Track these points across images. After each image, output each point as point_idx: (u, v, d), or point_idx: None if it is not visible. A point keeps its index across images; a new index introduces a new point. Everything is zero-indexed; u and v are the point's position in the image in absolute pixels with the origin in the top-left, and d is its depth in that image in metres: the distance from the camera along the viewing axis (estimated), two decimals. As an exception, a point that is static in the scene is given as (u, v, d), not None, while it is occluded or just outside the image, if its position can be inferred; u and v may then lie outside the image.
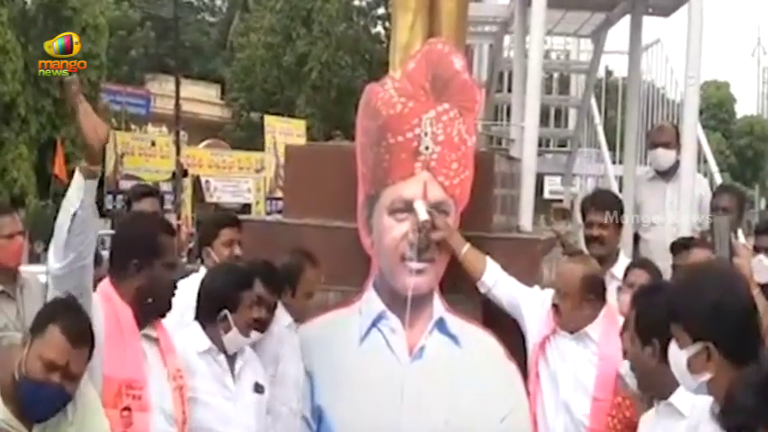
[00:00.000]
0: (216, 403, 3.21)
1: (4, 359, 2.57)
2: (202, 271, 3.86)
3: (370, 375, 3.82)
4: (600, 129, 8.63)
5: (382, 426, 3.75)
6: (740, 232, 4.91)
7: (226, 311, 3.24)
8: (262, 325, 3.45)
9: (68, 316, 2.59)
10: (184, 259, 14.99)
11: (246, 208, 22.72)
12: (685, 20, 5.03)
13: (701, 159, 7.30)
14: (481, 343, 3.87)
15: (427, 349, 3.84)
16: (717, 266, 2.97)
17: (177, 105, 21.68)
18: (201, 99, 29.71)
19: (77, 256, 2.70)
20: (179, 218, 20.09)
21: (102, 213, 18.44)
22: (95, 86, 21.02)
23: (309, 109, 28.36)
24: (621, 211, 4.35)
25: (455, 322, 3.88)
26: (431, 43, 4.14)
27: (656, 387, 2.56)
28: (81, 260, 2.71)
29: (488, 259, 3.86)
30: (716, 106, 43.18)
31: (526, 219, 4.47)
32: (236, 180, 24.12)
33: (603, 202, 4.40)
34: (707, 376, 2.07)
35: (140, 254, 2.93)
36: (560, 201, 8.00)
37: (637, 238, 5.39)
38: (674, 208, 5.06)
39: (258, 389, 3.36)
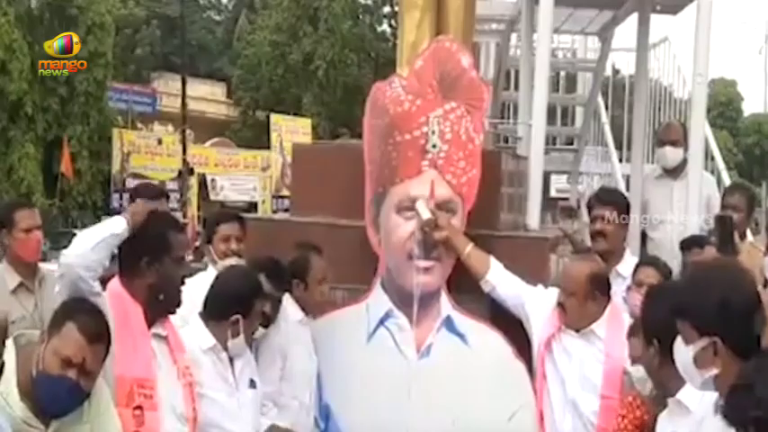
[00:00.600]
0: (221, 399, 3.24)
1: (21, 357, 2.58)
2: (209, 270, 3.87)
3: (377, 373, 3.83)
4: (607, 127, 8.61)
5: (390, 424, 3.76)
6: (748, 231, 4.90)
7: (238, 317, 3.26)
8: (266, 320, 3.48)
9: (85, 314, 2.63)
10: (190, 257, 15.00)
11: (253, 206, 22.74)
12: (693, 18, 5.02)
13: (709, 157, 7.29)
14: (489, 341, 3.88)
15: (435, 347, 3.85)
16: (723, 263, 2.96)
17: (183, 104, 21.71)
18: (208, 97, 29.75)
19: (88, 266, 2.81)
20: (185, 216, 20.13)
21: (109, 211, 18.50)
22: (102, 85, 21.06)
23: (315, 107, 28.38)
24: (627, 209, 4.34)
25: (463, 320, 3.88)
26: (438, 41, 4.14)
27: (662, 385, 2.56)
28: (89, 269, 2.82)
29: (492, 259, 3.86)
30: (723, 104, 43.05)
31: (533, 217, 4.46)
32: (242, 178, 24.15)
33: (608, 198, 4.40)
34: (713, 371, 2.08)
35: (151, 251, 2.96)
36: (566, 199, 8.00)
37: (644, 236, 5.38)
38: (681, 206, 5.05)
39: (252, 384, 3.39)
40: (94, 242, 2.84)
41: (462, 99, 3.93)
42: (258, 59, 29.40)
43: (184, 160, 20.96)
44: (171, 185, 20.90)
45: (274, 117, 24.75)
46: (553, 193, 15.65)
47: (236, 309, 3.26)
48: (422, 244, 3.79)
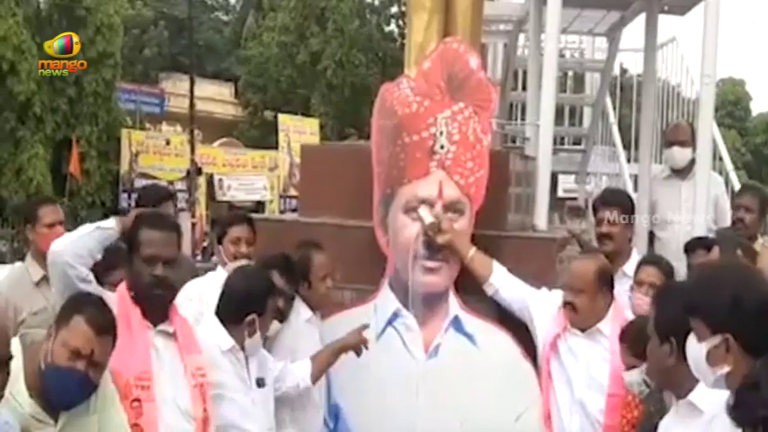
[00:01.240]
0: (239, 399, 3.26)
1: (28, 354, 2.61)
2: (219, 270, 3.89)
3: (385, 373, 3.85)
4: (614, 127, 8.60)
5: (398, 423, 3.78)
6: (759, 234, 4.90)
7: (254, 316, 3.28)
8: (281, 315, 3.52)
9: (92, 306, 2.68)
10: (199, 257, 15.05)
11: (261, 206, 22.75)
12: (701, 18, 5.01)
13: (717, 158, 7.27)
14: (496, 342, 3.89)
15: (443, 347, 3.87)
16: (735, 262, 2.97)
17: (191, 104, 21.72)
18: (215, 98, 29.76)
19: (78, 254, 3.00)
20: (193, 216, 20.16)
21: (117, 211, 18.53)
22: (110, 85, 21.07)
23: (323, 107, 28.39)
24: (631, 209, 4.34)
25: (471, 321, 3.90)
26: (446, 42, 4.15)
27: (674, 385, 2.55)
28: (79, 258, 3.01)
29: (495, 262, 3.87)
30: (732, 104, 42.90)
31: (541, 217, 4.47)
32: (250, 178, 24.16)
33: (613, 200, 4.40)
34: (725, 369, 2.08)
35: (128, 249, 3.06)
36: (574, 199, 7.99)
37: (652, 236, 5.38)
38: (689, 206, 5.04)
39: (260, 383, 3.41)
40: (82, 233, 3.05)
41: (470, 100, 3.95)
42: (266, 60, 29.43)
43: (192, 160, 20.98)
44: (179, 185, 20.93)
45: (282, 117, 24.75)
46: (561, 194, 15.63)
47: (251, 308, 3.29)
48: (428, 244, 3.81)
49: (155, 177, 19.97)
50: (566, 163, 8.25)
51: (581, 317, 3.61)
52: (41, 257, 3.95)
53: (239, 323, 3.28)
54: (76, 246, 3.02)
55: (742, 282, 2.15)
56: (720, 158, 7.31)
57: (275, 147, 24.31)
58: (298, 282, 3.64)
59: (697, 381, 2.35)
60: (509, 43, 7.88)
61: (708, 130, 4.97)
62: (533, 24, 6.44)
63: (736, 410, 1.93)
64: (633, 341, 3.30)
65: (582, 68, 8.47)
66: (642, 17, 6.42)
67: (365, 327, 3.68)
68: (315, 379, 3.56)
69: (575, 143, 8.52)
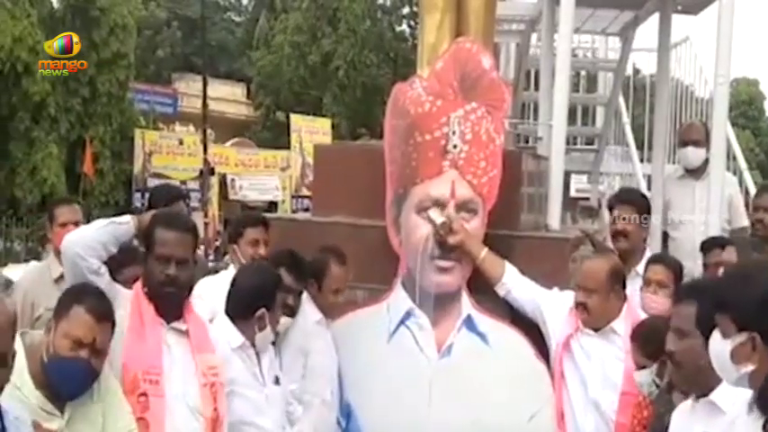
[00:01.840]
0: (251, 395, 3.28)
1: (30, 350, 2.63)
2: (232, 269, 3.91)
3: (398, 373, 3.85)
4: (628, 127, 8.57)
5: (410, 423, 3.78)
6: None
7: (263, 310, 3.29)
8: (290, 311, 3.54)
9: (90, 295, 2.74)
10: (211, 257, 15.08)
11: (273, 206, 22.78)
12: (715, 17, 5.00)
13: (731, 157, 7.24)
14: (509, 341, 3.88)
15: (456, 347, 3.86)
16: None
17: (204, 104, 21.78)
18: (228, 98, 29.83)
19: (90, 246, 3.06)
20: (206, 216, 20.20)
21: (131, 211, 18.61)
22: (124, 86, 21.16)
23: (335, 108, 28.41)
24: (647, 209, 4.33)
25: (483, 320, 3.89)
26: (459, 42, 4.15)
27: (700, 384, 2.51)
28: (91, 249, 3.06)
29: (507, 263, 3.86)
30: (745, 104, 42.66)
31: (554, 217, 4.46)
32: (262, 178, 24.20)
33: (629, 198, 4.41)
34: (749, 367, 2.06)
35: (145, 247, 3.12)
36: (587, 199, 7.98)
37: (666, 236, 5.37)
38: (703, 206, 5.03)
39: (277, 381, 3.44)
40: (95, 227, 3.12)
41: (483, 100, 3.94)
42: (278, 61, 29.47)
43: (205, 160, 21.04)
44: (192, 185, 20.98)
45: (294, 117, 24.78)
46: (573, 193, 15.59)
47: (260, 303, 3.31)
48: (440, 244, 3.81)
49: (168, 177, 20.03)
50: (578, 163, 8.24)
51: (593, 317, 3.60)
52: (60, 255, 4.03)
53: (249, 319, 3.30)
54: (88, 238, 3.07)
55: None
56: (734, 158, 7.28)
57: (287, 147, 24.34)
58: (305, 279, 3.65)
59: (718, 380, 2.34)
60: (521, 43, 7.87)
61: (722, 129, 4.95)
62: (546, 24, 6.43)
63: (762, 405, 1.92)
64: (644, 341, 3.29)
65: (595, 68, 8.46)
66: (656, 17, 6.40)
67: None
68: None
69: (587, 143, 8.50)
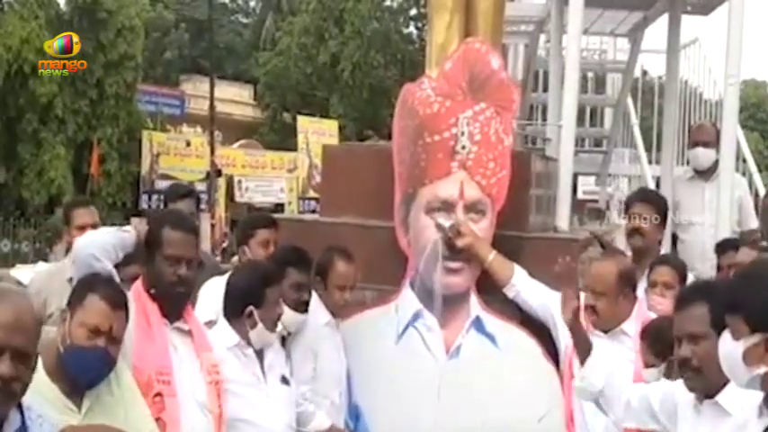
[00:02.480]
0: (247, 394, 3.27)
1: (44, 344, 2.62)
2: (237, 270, 3.91)
3: (406, 374, 3.85)
4: (636, 129, 8.55)
5: (419, 424, 3.77)
6: None
7: (251, 308, 3.29)
8: (303, 306, 3.54)
9: (104, 284, 2.75)
10: (218, 258, 15.09)
11: (280, 207, 22.79)
12: (724, 18, 4.98)
13: (740, 159, 7.22)
14: (519, 342, 3.87)
15: (464, 348, 3.86)
16: None
17: (212, 106, 21.82)
18: (235, 100, 29.88)
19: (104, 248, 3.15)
20: (213, 217, 20.21)
21: (138, 212, 18.64)
22: (131, 87, 21.22)
23: (342, 109, 28.44)
24: (665, 209, 4.31)
25: (492, 321, 3.88)
26: (468, 43, 4.14)
27: (711, 385, 2.48)
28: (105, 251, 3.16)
29: (515, 265, 3.85)
30: (754, 106, 42.56)
31: (563, 219, 4.45)
32: (269, 179, 24.21)
33: (648, 197, 4.40)
34: (762, 369, 2.03)
35: (147, 246, 3.11)
36: (595, 201, 7.95)
37: (675, 238, 5.35)
38: (712, 208, 5.01)
39: (285, 381, 3.42)
40: (106, 231, 3.25)
41: (492, 100, 3.93)
42: (285, 63, 29.51)
43: (212, 162, 21.07)
44: (199, 187, 20.97)
45: (301, 119, 24.80)
46: (580, 195, 15.56)
47: (248, 301, 3.31)
48: (449, 245, 3.80)
49: (175, 178, 20.02)
50: (586, 164, 8.22)
51: (602, 320, 3.58)
52: None
53: (240, 317, 3.30)
54: (102, 241, 3.13)
55: None
56: (744, 160, 7.26)
57: (295, 149, 24.36)
58: (309, 274, 3.64)
59: (725, 381, 2.31)
60: (530, 44, 7.86)
61: (732, 130, 4.94)
62: (555, 25, 6.42)
63: None
64: (653, 340, 3.27)
65: (603, 69, 8.44)
66: (665, 17, 6.38)
67: None
68: None
69: (595, 145, 8.48)
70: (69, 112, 19.75)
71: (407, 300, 3.93)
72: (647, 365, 3.28)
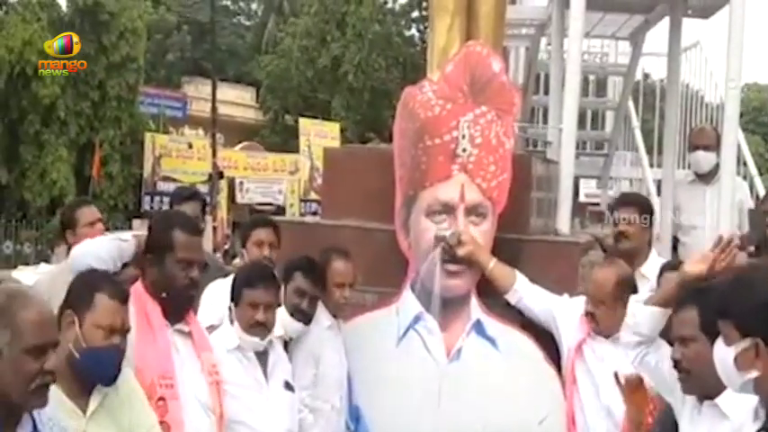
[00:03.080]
0: (246, 397, 3.27)
1: None
2: (242, 273, 3.92)
3: (407, 376, 3.85)
4: (637, 131, 8.55)
5: (419, 427, 3.77)
6: None
7: (230, 305, 3.34)
8: (304, 316, 3.54)
9: (106, 281, 2.75)
10: (220, 260, 15.10)
11: (281, 210, 22.82)
12: (725, 22, 4.98)
13: (741, 162, 7.22)
14: (519, 346, 3.88)
15: (465, 351, 3.85)
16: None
17: (214, 108, 21.86)
18: (237, 102, 29.92)
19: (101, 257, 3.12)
20: (215, 219, 20.23)
21: (140, 214, 18.67)
22: (134, 90, 21.26)
23: (344, 111, 28.47)
24: (649, 210, 4.33)
25: (493, 325, 3.88)
26: (469, 46, 4.14)
27: (708, 388, 2.49)
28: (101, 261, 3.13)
29: (516, 271, 3.86)
30: (756, 109, 42.56)
31: (564, 222, 4.45)
32: (269, 182, 24.24)
33: (630, 200, 4.43)
34: (754, 374, 2.03)
35: (154, 249, 3.08)
36: (597, 204, 7.95)
37: (676, 241, 5.36)
38: (713, 211, 5.01)
39: (288, 387, 3.42)
40: (104, 240, 3.21)
41: (493, 103, 3.94)
42: (287, 65, 29.56)
43: (214, 164, 21.10)
44: (202, 189, 20.98)
45: (303, 121, 24.86)
46: (582, 198, 15.57)
47: (231, 299, 3.34)
48: (451, 248, 3.80)
49: (177, 181, 20.09)
50: (588, 167, 8.22)
51: (602, 326, 3.60)
52: None
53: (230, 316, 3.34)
54: (99, 251, 3.11)
55: None
56: (745, 163, 7.25)
57: (296, 151, 24.40)
58: (322, 284, 3.65)
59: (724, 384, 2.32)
60: (531, 47, 7.86)
61: (733, 134, 4.94)
62: (556, 28, 6.43)
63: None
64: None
65: (605, 72, 8.44)
66: (666, 21, 6.38)
67: None
68: None
69: (597, 148, 8.48)
70: (71, 114, 19.81)
71: (408, 302, 3.93)
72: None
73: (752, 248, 4.38)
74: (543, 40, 7.73)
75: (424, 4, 27.44)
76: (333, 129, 25.22)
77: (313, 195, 22.50)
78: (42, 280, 4.20)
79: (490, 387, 3.80)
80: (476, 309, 3.90)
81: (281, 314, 3.46)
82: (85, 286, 2.70)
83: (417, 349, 3.87)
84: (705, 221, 5.16)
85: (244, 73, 32.90)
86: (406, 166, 3.98)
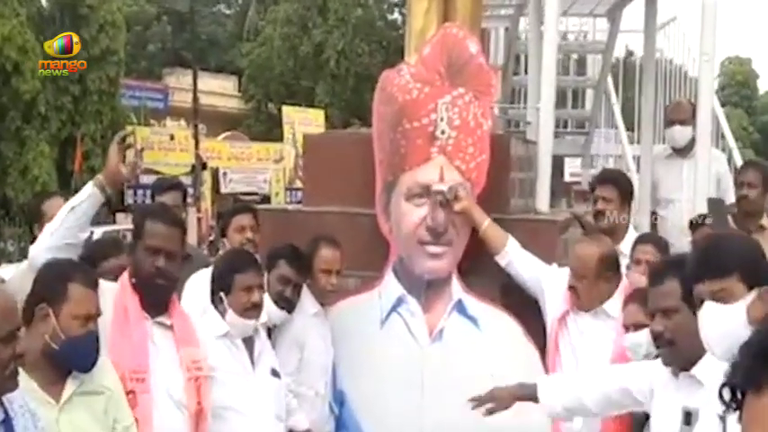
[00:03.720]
0: (234, 383, 3.29)
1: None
2: (220, 262, 3.93)
3: (390, 359, 3.89)
4: (617, 108, 8.58)
5: (403, 407, 3.82)
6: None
7: (221, 294, 3.33)
8: (288, 303, 3.57)
9: (76, 268, 2.78)
10: (205, 251, 15.11)
11: (266, 199, 22.79)
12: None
13: (719, 135, 7.26)
14: (500, 324, 3.92)
15: (446, 331, 3.90)
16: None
17: (195, 98, 21.76)
18: (219, 92, 29.81)
19: (57, 247, 3.06)
20: (199, 211, 20.19)
21: (124, 208, 18.61)
22: (114, 83, 21.15)
23: (327, 98, 28.40)
24: (628, 188, 4.37)
25: (474, 304, 3.92)
26: (446, 28, 4.15)
27: (692, 356, 2.49)
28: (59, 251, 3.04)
29: (509, 236, 3.88)
30: (739, 83, 42.73)
31: (542, 201, 4.47)
32: (254, 171, 24.19)
33: (608, 178, 4.45)
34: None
35: (133, 239, 3.11)
36: (579, 183, 7.98)
37: (655, 216, 5.40)
38: (690, 185, 5.05)
39: (275, 374, 3.44)
40: (53, 228, 3.12)
41: (470, 85, 3.96)
42: (269, 53, 29.44)
43: (197, 155, 21.02)
44: (185, 181, 20.89)
45: (286, 109, 24.76)
46: (567, 178, 15.60)
47: (220, 287, 3.35)
48: (432, 231, 3.83)
49: (159, 173, 20.00)
50: (570, 146, 8.25)
51: (583, 301, 3.64)
52: None
53: (218, 304, 3.34)
54: (50, 243, 3.07)
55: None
56: (723, 136, 7.30)
57: (281, 139, 24.32)
58: (305, 272, 3.68)
59: (700, 354, 2.36)
60: (511, 27, 7.87)
61: (707, 107, 4.96)
62: (533, 7, 6.43)
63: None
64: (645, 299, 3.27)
65: (583, 51, 8.45)
66: (643, -3, 6.40)
67: None
68: None
69: (578, 127, 8.51)
70: (52, 109, 19.69)
71: (390, 285, 3.97)
72: (637, 327, 3.26)
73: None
74: (523, 21, 7.74)
75: (405, -13, 27.37)
76: (317, 116, 25.14)
77: (298, 184, 22.41)
78: (14, 277, 4.16)
79: (472, 366, 3.83)
80: (457, 289, 3.93)
81: (266, 302, 3.48)
82: (56, 277, 2.71)
83: (400, 331, 3.92)
84: (682, 195, 5.20)
85: (225, 62, 32.77)
86: (385, 150, 4.00)
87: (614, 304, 3.61)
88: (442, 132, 3.89)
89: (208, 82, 27.64)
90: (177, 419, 3.00)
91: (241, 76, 30.92)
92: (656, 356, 2.98)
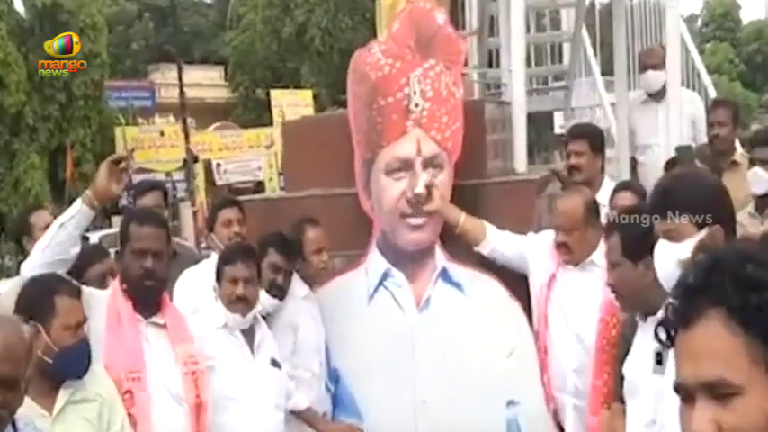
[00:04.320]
0: (234, 372, 3.36)
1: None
2: (213, 257, 3.99)
3: (380, 332, 3.97)
4: (592, 58, 8.58)
5: (396, 379, 3.90)
6: (737, 143, 4.97)
7: (215, 284, 3.43)
8: (279, 291, 3.64)
9: (59, 281, 2.86)
10: (203, 245, 15.17)
11: (260, 186, 22.77)
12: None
13: (695, 75, 7.28)
14: (484, 287, 3.98)
15: (433, 299, 3.97)
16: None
17: (181, 92, 21.71)
18: (205, 83, 29.72)
19: (49, 263, 3.03)
20: (194, 204, 20.16)
21: (118, 211, 18.65)
22: (99, 86, 21.13)
23: (314, 78, 28.29)
24: (599, 138, 4.42)
25: (458, 270, 3.99)
26: (413, 2, 4.18)
27: (646, 303, 2.60)
28: (51, 267, 3.03)
29: (485, 222, 3.93)
30: (721, 16, 42.41)
31: (520, 161, 4.51)
32: (246, 159, 24.13)
33: (579, 132, 4.50)
34: None
35: (120, 245, 3.18)
36: (562, 136, 7.98)
37: (634, 162, 5.45)
38: (666, 129, 5.10)
39: (275, 364, 3.52)
40: (44, 245, 3.10)
41: (440, 56, 3.99)
42: (252, 40, 29.26)
43: (188, 149, 20.95)
44: (177, 176, 20.94)
45: (274, 93, 24.72)
46: (558, 130, 15.56)
47: (216, 279, 3.45)
48: (413, 205, 3.90)
49: (152, 171, 20.01)
50: (552, 102, 8.26)
51: (576, 254, 3.67)
52: None
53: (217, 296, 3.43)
54: (43, 259, 3.08)
55: (710, 174, 2.19)
56: (698, 75, 7.32)
57: (271, 124, 24.29)
58: (294, 258, 3.75)
59: (664, 297, 2.44)
60: (483, -10, 7.83)
61: (675, 49, 4.98)
62: (501, -33, 6.41)
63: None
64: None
65: (555, 6, 8.44)
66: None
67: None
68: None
69: (560, 81, 8.51)
70: (40, 119, 19.69)
71: (375, 261, 4.04)
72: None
73: None
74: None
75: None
76: (305, 97, 25.10)
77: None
78: (8, 291, 4.21)
79: (460, 330, 3.91)
80: (440, 257, 4.00)
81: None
82: (42, 293, 2.77)
83: (388, 304, 3.99)
84: (659, 139, 5.25)
85: (210, 52, 32.65)
86: (362, 129, 4.05)
87: (599, 254, 3.67)
88: (416, 105, 3.94)
89: (193, 74, 27.58)
90: (177, 414, 3.07)
91: (227, 65, 30.79)
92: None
